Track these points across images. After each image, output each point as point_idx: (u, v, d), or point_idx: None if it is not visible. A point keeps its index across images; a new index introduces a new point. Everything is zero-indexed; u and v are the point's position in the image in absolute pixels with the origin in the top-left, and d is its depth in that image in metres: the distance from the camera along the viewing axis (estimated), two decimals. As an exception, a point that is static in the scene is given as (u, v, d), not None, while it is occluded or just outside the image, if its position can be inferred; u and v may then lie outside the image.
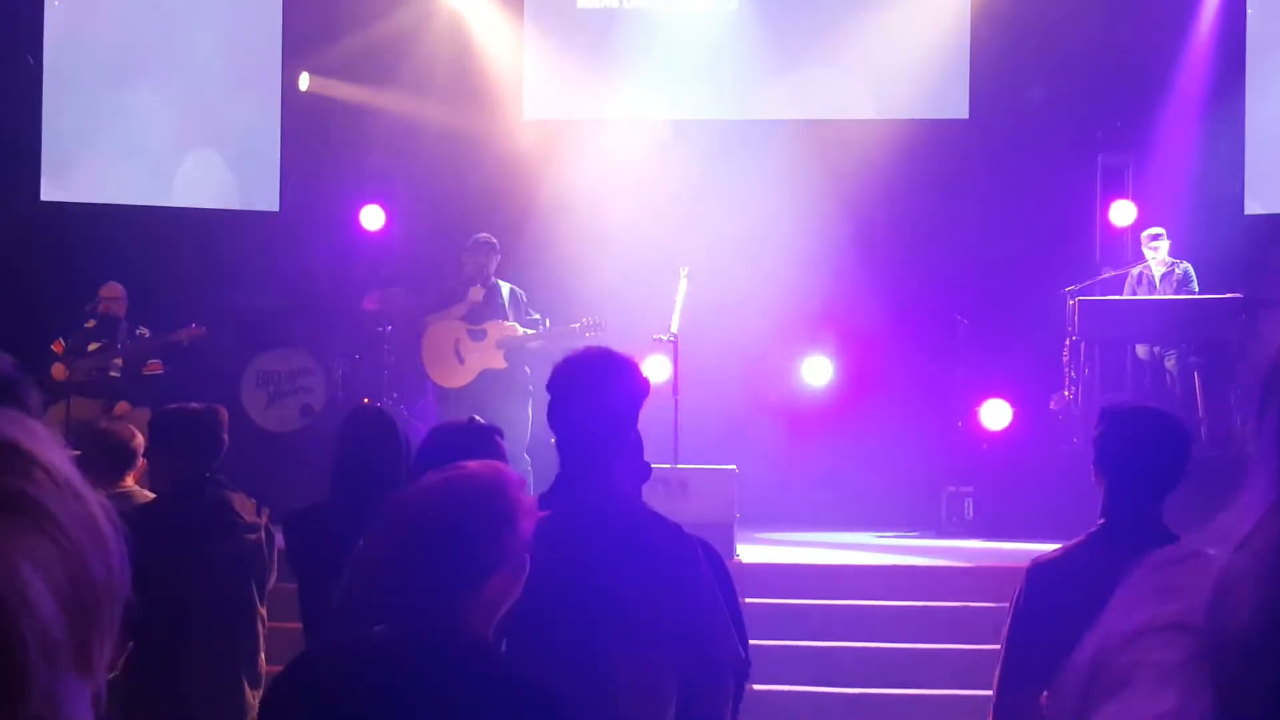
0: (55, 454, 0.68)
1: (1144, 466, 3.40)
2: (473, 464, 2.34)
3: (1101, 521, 3.45)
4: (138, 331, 9.65)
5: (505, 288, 9.47)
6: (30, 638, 0.63)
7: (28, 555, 0.63)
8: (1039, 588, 3.45)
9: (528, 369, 9.28)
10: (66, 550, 0.65)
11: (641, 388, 3.29)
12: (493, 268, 9.43)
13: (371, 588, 2.34)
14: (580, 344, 8.87)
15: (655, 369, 9.43)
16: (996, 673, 3.53)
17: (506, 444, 3.92)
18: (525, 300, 9.49)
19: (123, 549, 0.69)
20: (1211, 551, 0.77)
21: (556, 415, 3.26)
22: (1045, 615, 3.32)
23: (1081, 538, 3.48)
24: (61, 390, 9.24)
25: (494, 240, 9.49)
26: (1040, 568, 3.53)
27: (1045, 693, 3.34)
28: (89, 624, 0.66)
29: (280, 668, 2.41)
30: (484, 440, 3.72)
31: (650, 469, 3.57)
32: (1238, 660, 0.71)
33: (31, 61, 11.53)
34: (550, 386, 3.28)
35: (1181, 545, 0.80)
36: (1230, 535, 0.76)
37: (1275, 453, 0.78)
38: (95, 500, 0.68)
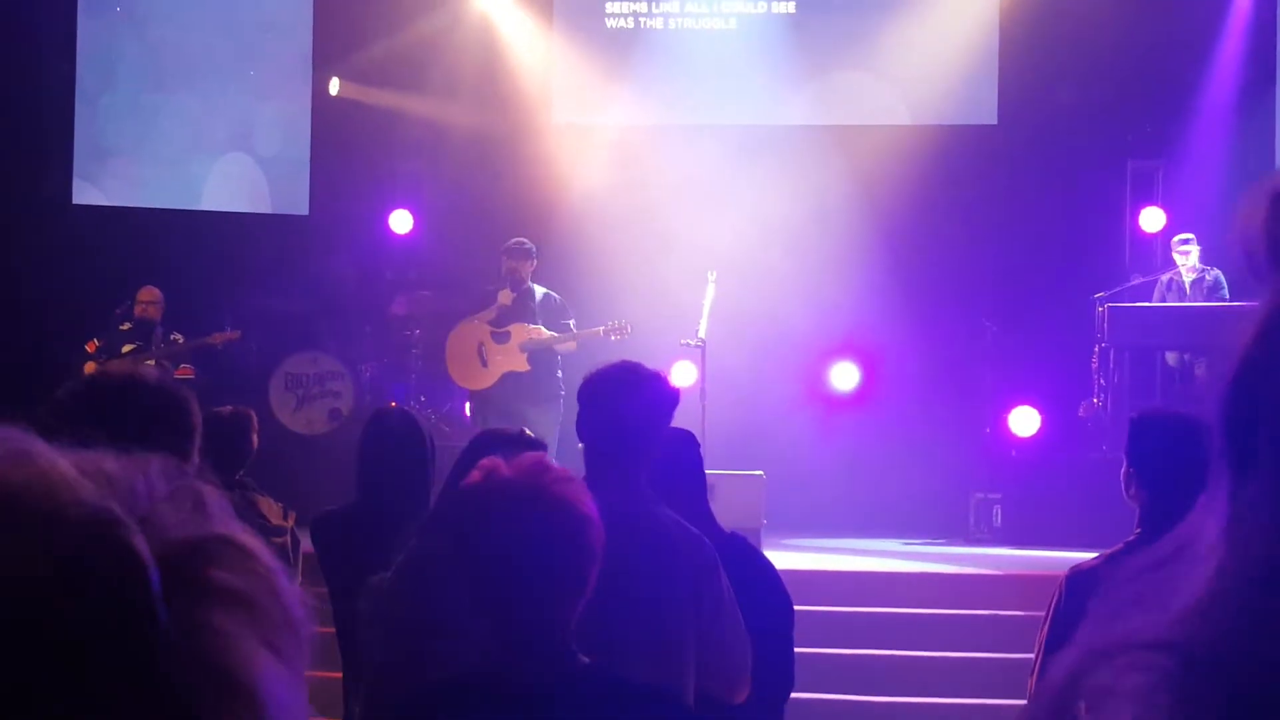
0: (245, 534, 0.69)
1: (1180, 474, 3.38)
2: (561, 484, 2.32)
3: (1139, 530, 3.43)
4: (172, 337, 9.71)
5: (539, 292, 9.45)
6: None
7: (247, 646, 0.65)
8: (1076, 596, 3.44)
9: (560, 373, 9.26)
10: (275, 637, 0.67)
11: (667, 398, 3.38)
12: (526, 272, 9.41)
13: (474, 615, 2.33)
14: (606, 347, 8.95)
15: (683, 374, 9.43)
16: (1031, 681, 3.52)
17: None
18: (561, 304, 9.44)
19: (312, 633, 0.71)
20: (1183, 558, 0.75)
21: (584, 424, 3.36)
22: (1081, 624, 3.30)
23: (1119, 546, 3.47)
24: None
25: (528, 245, 9.48)
26: (1078, 576, 3.51)
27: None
28: None
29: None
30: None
31: (704, 475, 3.68)
32: (1218, 678, 0.69)
33: (64, 68, 11.61)
34: (579, 396, 3.38)
35: (1154, 550, 0.78)
36: (1199, 540, 0.74)
37: (1236, 447, 0.77)
38: (287, 581, 0.70)
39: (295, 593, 0.70)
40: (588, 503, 2.31)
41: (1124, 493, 3.51)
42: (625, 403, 3.31)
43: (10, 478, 0.62)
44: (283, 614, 0.68)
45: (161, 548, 0.64)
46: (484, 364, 9.32)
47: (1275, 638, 0.69)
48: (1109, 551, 3.51)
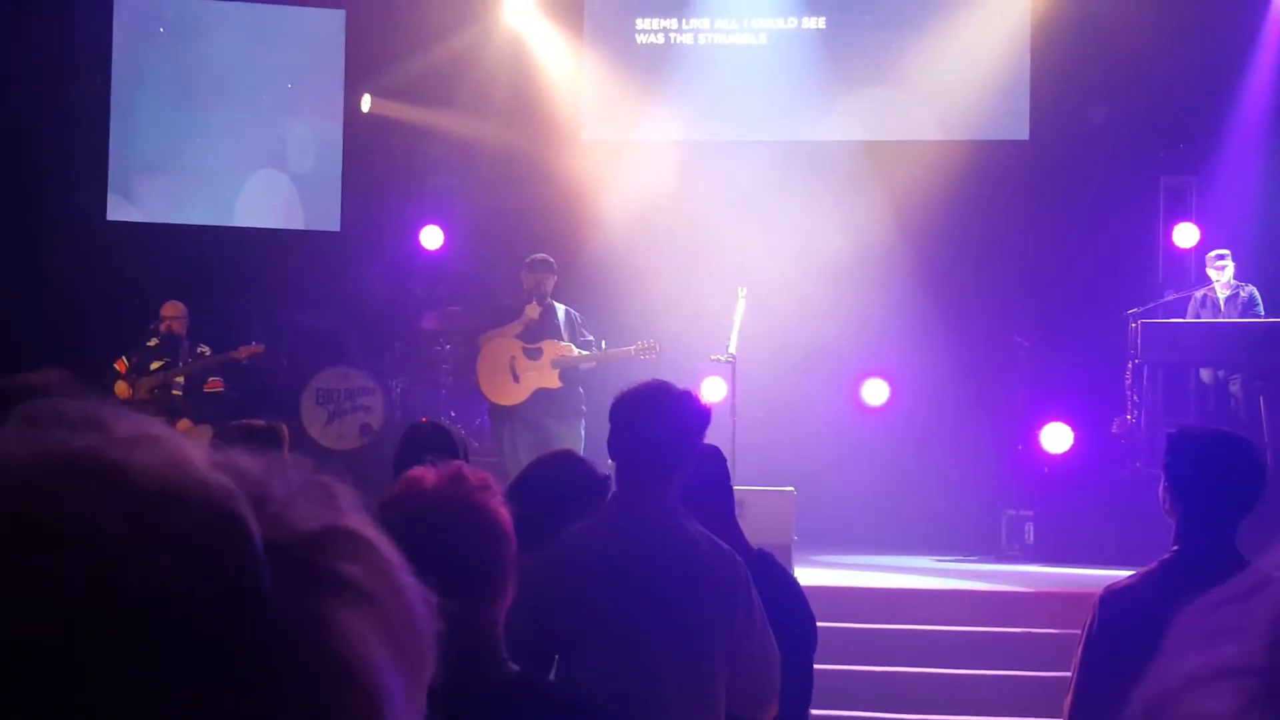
0: (371, 529, 0.69)
1: (1217, 492, 3.35)
2: (476, 493, 2.32)
3: (1175, 549, 3.40)
4: (199, 350, 9.75)
5: (560, 309, 9.49)
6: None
7: (370, 642, 0.65)
8: (1111, 615, 3.40)
9: (581, 389, 9.32)
10: (397, 634, 0.67)
11: (699, 416, 3.40)
12: (549, 287, 9.45)
13: None
14: (635, 366, 8.96)
15: (713, 390, 9.43)
16: (1067, 701, 3.49)
17: None
18: (581, 322, 9.51)
19: (434, 628, 0.71)
20: (1268, 587, 0.74)
21: (615, 442, 3.38)
22: (1117, 643, 3.27)
23: (1154, 565, 3.43)
24: (124, 408, 9.33)
25: (551, 260, 9.51)
26: (1113, 595, 3.48)
27: None
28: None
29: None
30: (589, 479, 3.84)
31: (732, 492, 3.70)
32: None
33: (99, 84, 11.71)
34: (611, 415, 3.40)
35: (1232, 584, 0.78)
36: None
37: None
38: (413, 580, 0.70)
39: (419, 591, 0.70)
40: (500, 510, 2.31)
41: (1162, 509, 3.48)
42: (656, 421, 3.33)
43: (137, 457, 0.63)
44: (405, 612, 0.68)
45: (288, 537, 0.65)
46: (516, 379, 9.36)
47: None
48: (1144, 570, 3.48)
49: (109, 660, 0.59)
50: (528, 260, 9.50)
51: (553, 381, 9.28)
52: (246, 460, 0.68)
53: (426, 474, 2.33)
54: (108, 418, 0.65)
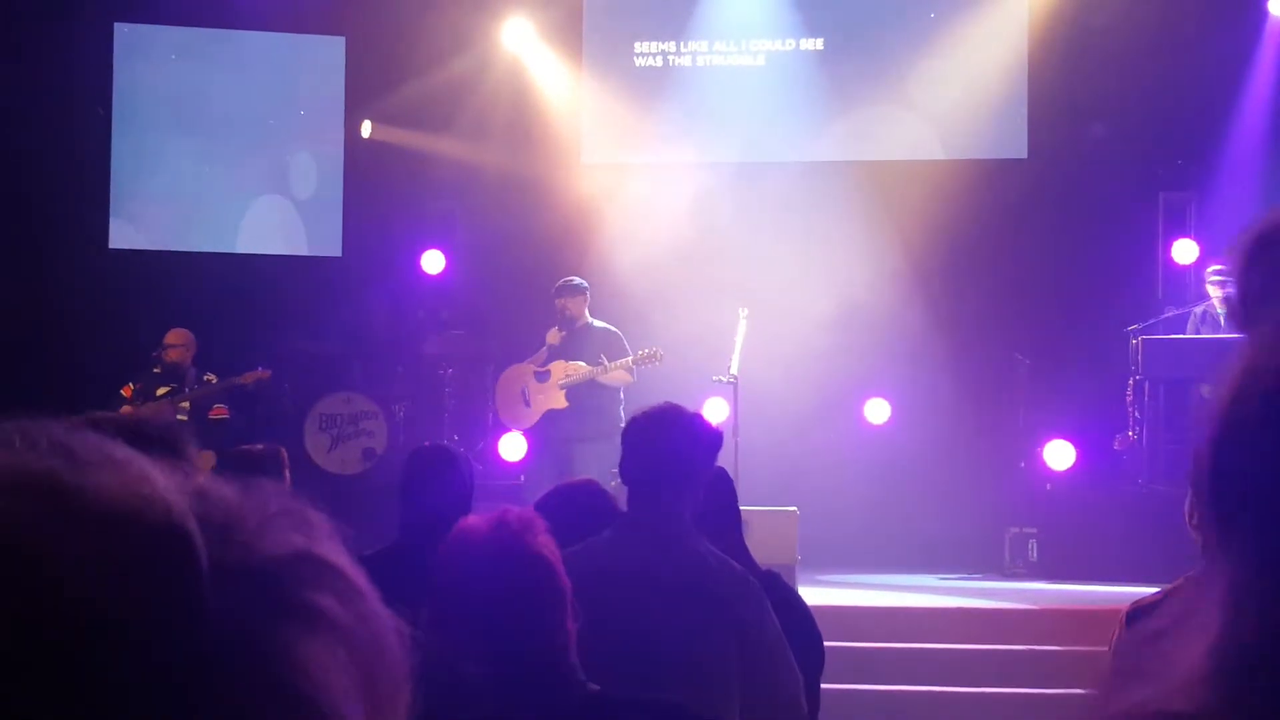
0: (343, 558, 0.69)
1: None
2: (524, 534, 2.41)
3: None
4: (205, 378, 9.77)
5: (597, 326, 9.50)
6: None
7: (332, 670, 0.64)
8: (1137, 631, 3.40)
9: (621, 409, 9.16)
10: (363, 665, 0.66)
11: (709, 440, 3.46)
12: (577, 309, 9.48)
13: (472, 636, 2.39)
14: (639, 376, 8.96)
15: (715, 411, 9.44)
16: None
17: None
18: (617, 338, 9.45)
19: (407, 660, 0.70)
20: (1183, 630, 0.75)
21: (627, 465, 3.44)
22: None
23: (1180, 581, 3.43)
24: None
25: (575, 281, 9.56)
26: (1138, 611, 3.47)
27: None
28: None
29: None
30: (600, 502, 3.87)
31: (739, 514, 3.73)
32: None
33: (101, 112, 11.76)
34: (623, 437, 3.49)
35: (1155, 620, 0.78)
36: (1196, 613, 0.74)
37: (1240, 514, 0.77)
38: (384, 610, 0.69)
39: (390, 621, 0.69)
40: (547, 546, 2.40)
41: (1188, 524, 3.49)
42: (668, 444, 3.37)
43: (94, 479, 0.63)
44: (373, 642, 0.67)
45: (255, 562, 0.65)
46: (526, 404, 9.41)
47: (1274, 711, 0.70)
48: (1170, 586, 3.48)
49: (43, 675, 0.59)
50: (557, 285, 9.58)
51: (559, 402, 9.30)
52: (220, 486, 0.67)
53: (478, 524, 2.44)
54: (74, 442, 0.65)
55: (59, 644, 0.60)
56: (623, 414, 9.13)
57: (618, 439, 9.14)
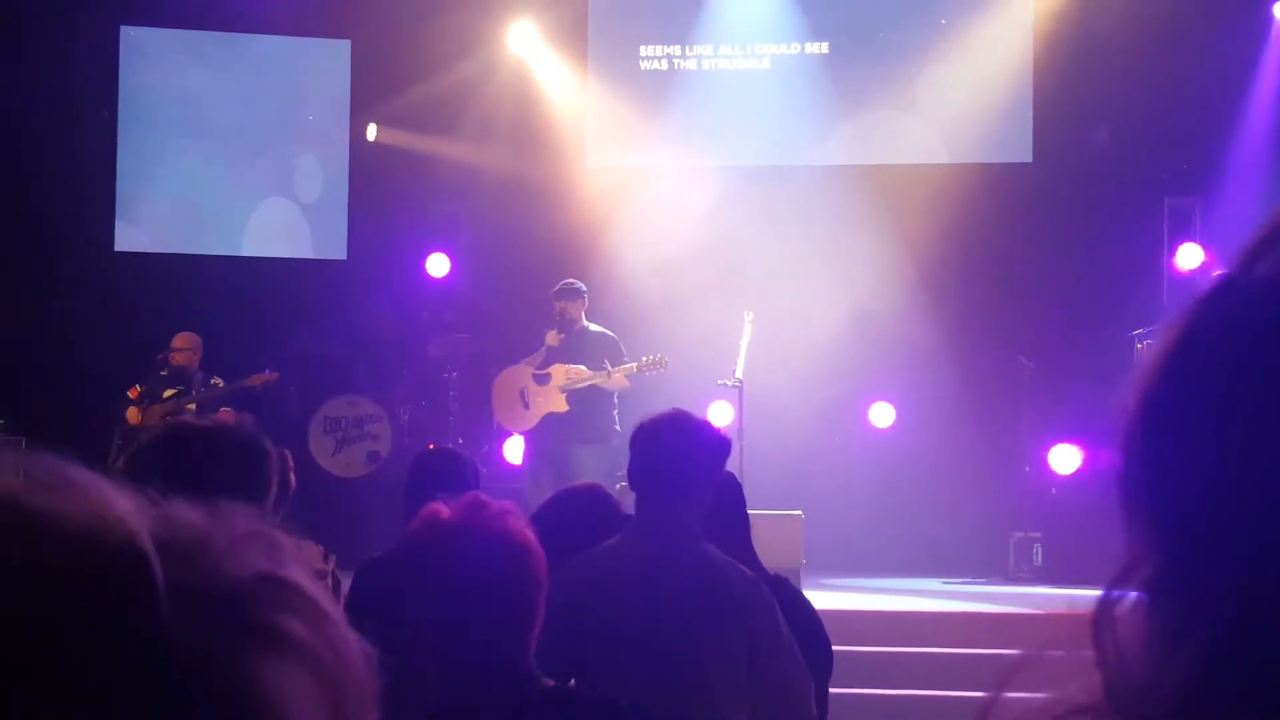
0: (309, 581, 0.69)
1: None
2: (498, 518, 2.37)
3: None
4: (212, 381, 9.78)
5: (594, 330, 9.48)
6: None
7: (295, 694, 0.65)
8: None
9: (615, 413, 9.22)
10: (329, 688, 0.67)
11: (717, 445, 3.47)
12: (575, 312, 9.44)
13: (438, 644, 2.37)
14: (655, 393, 8.97)
15: (720, 414, 9.44)
16: None
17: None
18: (614, 342, 9.42)
19: (374, 683, 0.70)
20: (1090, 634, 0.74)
21: (635, 469, 3.43)
22: None
23: None
24: (135, 435, 9.37)
25: (575, 285, 9.53)
26: None
27: None
28: None
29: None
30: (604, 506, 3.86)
31: (747, 519, 3.71)
32: None
33: (107, 115, 11.77)
34: (631, 443, 3.47)
35: (1080, 617, 0.77)
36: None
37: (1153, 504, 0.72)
38: (350, 633, 0.70)
39: (357, 644, 0.69)
40: (524, 532, 2.35)
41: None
42: (677, 449, 3.37)
43: (51, 502, 0.64)
44: (340, 666, 0.67)
45: (220, 585, 0.65)
46: (525, 406, 9.38)
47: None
48: None
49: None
50: (554, 288, 9.53)
51: (560, 405, 9.27)
52: (184, 510, 0.68)
53: (442, 507, 2.38)
54: (33, 465, 0.66)
55: (12, 663, 0.60)
56: (616, 418, 9.16)
57: (613, 442, 9.19)
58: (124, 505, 0.65)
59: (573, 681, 2.39)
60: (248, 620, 0.65)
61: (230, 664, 0.63)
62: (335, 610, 0.69)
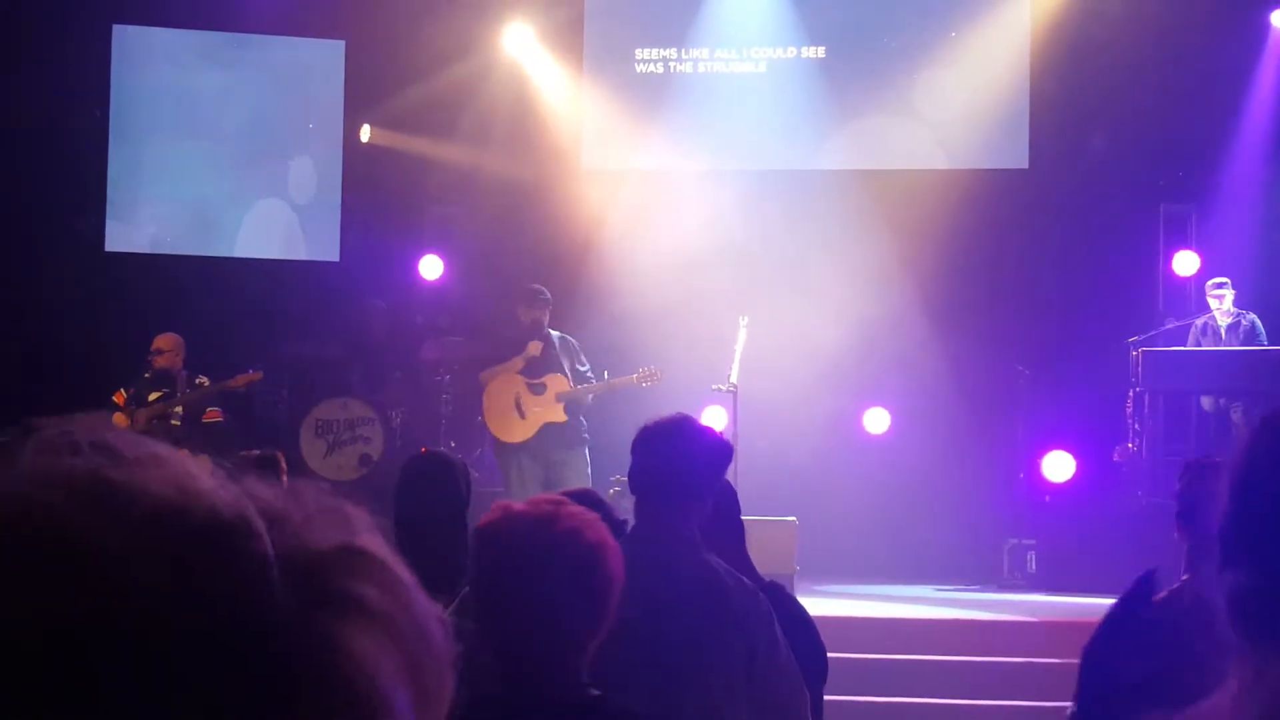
0: (384, 550, 0.71)
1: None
2: (577, 517, 2.33)
3: (1185, 578, 3.40)
4: (197, 380, 9.73)
5: (555, 336, 9.49)
6: None
7: (383, 657, 0.67)
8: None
9: (583, 419, 9.36)
10: (408, 653, 0.69)
11: (719, 451, 3.47)
12: (546, 320, 9.47)
13: (484, 648, 2.34)
14: (639, 396, 8.97)
15: (714, 419, 9.41)
16: None
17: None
18: (577, 348, 9.51)
19: (453, 652, 0.72)
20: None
21: (636, 473, 3.40)
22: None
23: (1164, 593, 3.43)
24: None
25: (545, 293, 9.54)
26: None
27: None
28: None
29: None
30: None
31: (743, 526, 3.77)
32: None
33: (98, 114, 11.73)
34: (633, 448, 3.43)
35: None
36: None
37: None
38: (425, 599, 0.71)
39: (433, 612, 0.71)
40: (602, 532, 2.33)
41: (1177, 538, 3.50)
42: (678, 453, 3.35)
43: (145, 476, 0.65)
44: (417, 631, 0.69)
45: (302, 556, 0.67)
46: (522, 416, 9.37)
47: None
48: (1158, 597, 3.46)
49: (117, 672, 0.61)
50: (525, 295, 9.46)
51: (558, 415, 9.30)
52: (259, 485, 0.70)
53: (514, 504, 2.36)
54: (117, 442, 0.67)
55: (123, 636, 0.61)
56: (583, 421, 9.30)
57: (586, 447, 9.26)
58: (209, 477, 0.67)
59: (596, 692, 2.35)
60: (331, 589, 0.67)
61: (320, 632, 0.65)
62: (410, 578, 0.71)
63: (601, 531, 2.33)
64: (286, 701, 0.63)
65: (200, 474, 0.67)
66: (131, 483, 0.65)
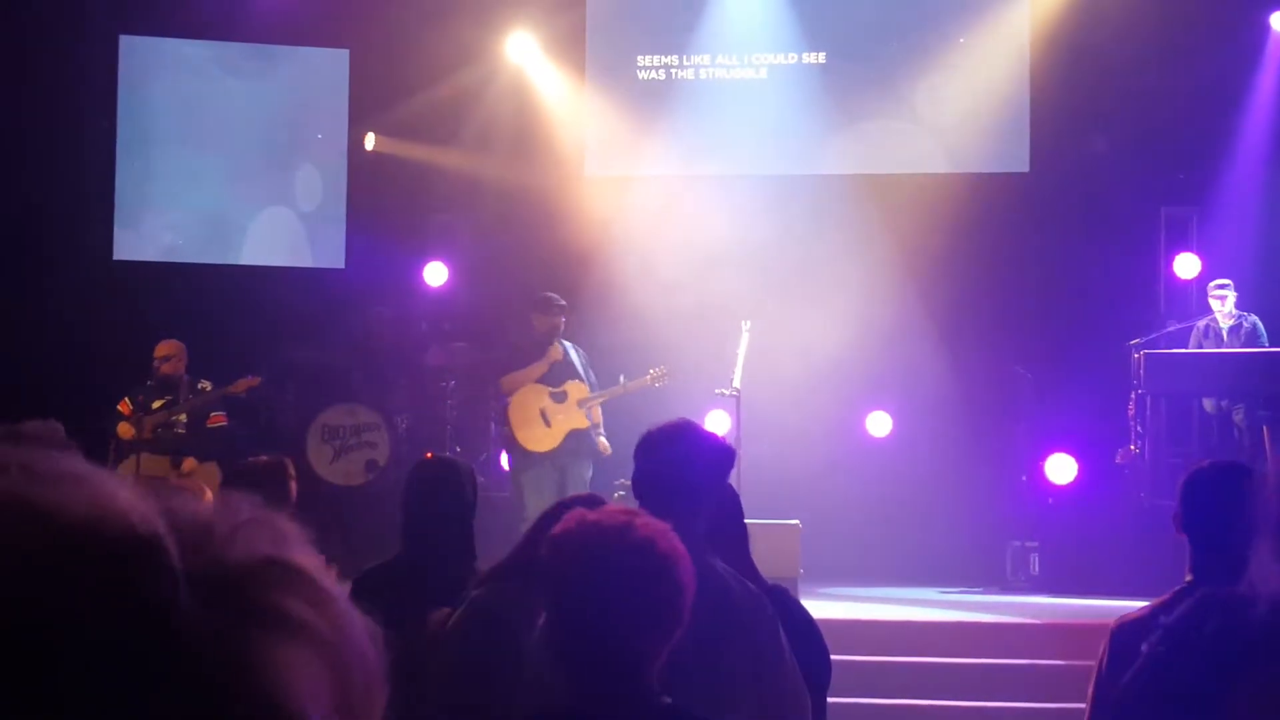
0: (313, 563, 0.71)
1: (1234, 525, 3.36)
2: (650, 527, 2.36)
3: (1188, 580, 3.41)
4: (199, 385, 9.76)
5: (567, 344, 9.55)
6: None
7: (303, 672, 0.66)
8: (1124, 647, 3.40)
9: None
10: (333, 666, 0.67)
11: (723, 455, 3.47)
12: (563, 326, 9.53)
13: (554, 658, 2.37)
14: (640, 400, 9.03)
15: (717, 423, 9.45)
16: None
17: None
18: (586, 359, 9.60)
19: (382, 665, 0.71)
20: None
21: (640, 479, 3.41)
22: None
23: (1167, 596, 3.44)
24: (130, 449, 9.36)
25: (562, 300, 9.59)
26: (1125, 627, 3.48)
27: None
28: None
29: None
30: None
31: (746, 530, 3.74)
32: None
33: (106, 123, 11.78)
34: (636, 453, 3.44)
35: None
36: None
37: None
38: (354, 612, 0.71)
39: (363, 625, 0.70)
40: (674, 541, 2.35)
41: (1179, 540, 3.51)
42: (683, 459, 3.36)
43: (60, 495, 0.65)
44: (346, 646, 0.69)
45: (225, 569, 0.66)
46: (548, 425, 9.41)
47: None
48: (1158, 600, 3.49)
49: (20, 692, 0.61)
50: (540, 303, 9.50)
51: (582, 422, 9.37)
52: (186, 500, 0.69)
53: (588, 513, 2.37)
54: (35, 461, 0.67)
55: (30, 654, 0.61)
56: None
57: (593, 456, 9.34)
58: (126, 495, 0.66)
59: (668, 699, 2.38)
60: (251, 602, 0.66)
61: (235, 645, 0.64)
62: (339, 591, 0.70)
63: (673, 541, 2.34)
64: (199, 710, 0.63)
65: (118, 491, 0.66)
66: (45, 502, 0.64)
